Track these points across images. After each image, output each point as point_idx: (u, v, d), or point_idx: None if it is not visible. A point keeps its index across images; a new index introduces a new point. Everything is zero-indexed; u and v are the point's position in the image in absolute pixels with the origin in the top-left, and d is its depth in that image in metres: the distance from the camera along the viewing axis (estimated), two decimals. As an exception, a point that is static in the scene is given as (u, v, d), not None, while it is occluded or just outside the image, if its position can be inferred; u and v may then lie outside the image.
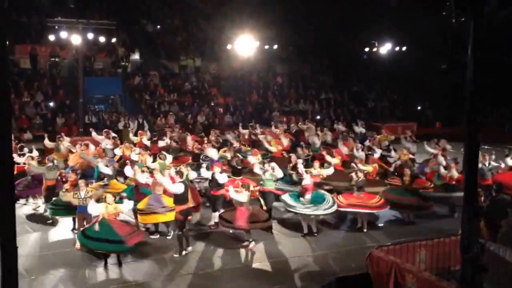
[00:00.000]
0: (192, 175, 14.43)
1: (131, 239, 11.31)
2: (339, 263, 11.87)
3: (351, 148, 18.34)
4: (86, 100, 26.40)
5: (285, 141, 20.11)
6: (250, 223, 12.36)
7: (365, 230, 13.95)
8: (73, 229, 13.38)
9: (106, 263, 11.30)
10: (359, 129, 23.79)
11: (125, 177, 15.40)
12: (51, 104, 27.06)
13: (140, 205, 12.89)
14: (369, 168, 15.87)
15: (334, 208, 13.53)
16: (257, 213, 12.75)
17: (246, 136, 21.79)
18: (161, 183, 12.64)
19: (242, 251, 12.43)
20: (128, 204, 11.94)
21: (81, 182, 12.70)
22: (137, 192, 13.74)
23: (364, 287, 9.37)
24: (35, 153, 16.86)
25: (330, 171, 15.03)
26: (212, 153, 16.78)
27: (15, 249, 6.66)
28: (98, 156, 16.91)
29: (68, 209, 13.03)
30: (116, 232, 11.18)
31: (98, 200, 12.14)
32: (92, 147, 17.47)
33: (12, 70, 26.93)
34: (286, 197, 13.92)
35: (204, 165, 15.53)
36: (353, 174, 14.43)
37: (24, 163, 15.70)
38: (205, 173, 14.78)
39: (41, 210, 15.05)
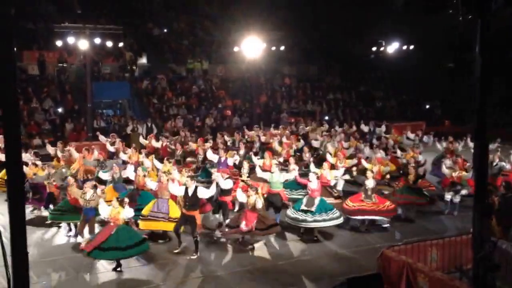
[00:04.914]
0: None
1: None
2: (349, 263, 11.85)
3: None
4: (94, 105, 26.49)
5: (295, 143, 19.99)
6: (257, 229, 12.27)
7: (365, 230, 13.93)
8: (68, 234, 13.43)
9: (119, 266, 11.37)
10: (377, 128, 23.59)
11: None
12: (60, 109, 27.14)
13: (144, 211, 12.85)
14: (369, 166, 15.58)
15: (339, 220, 13.38)
16: (264, 218, 12.55)
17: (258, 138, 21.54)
18: (169, 188, 12.70)
19: (251, 254, 12.43)
20: (129, 212, 11.65)
21: (88, 184, 12.69)
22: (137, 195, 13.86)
23: (376, 287, 9.32)
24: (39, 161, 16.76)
25: (340, 172, 14.98)
26: (213, 156, 16.70)
27: (26, 255, 6.69)
28: (102, 159, 16.97)
29: (70, 213, 13.08)
30: (137, 232, 11.62)
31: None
32: (95, 152, 17.44)
33: (20, 76, 27.07)
34: (289, 211, 13.73)
35: (214, 170, 15.50)
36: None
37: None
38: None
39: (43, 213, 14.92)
